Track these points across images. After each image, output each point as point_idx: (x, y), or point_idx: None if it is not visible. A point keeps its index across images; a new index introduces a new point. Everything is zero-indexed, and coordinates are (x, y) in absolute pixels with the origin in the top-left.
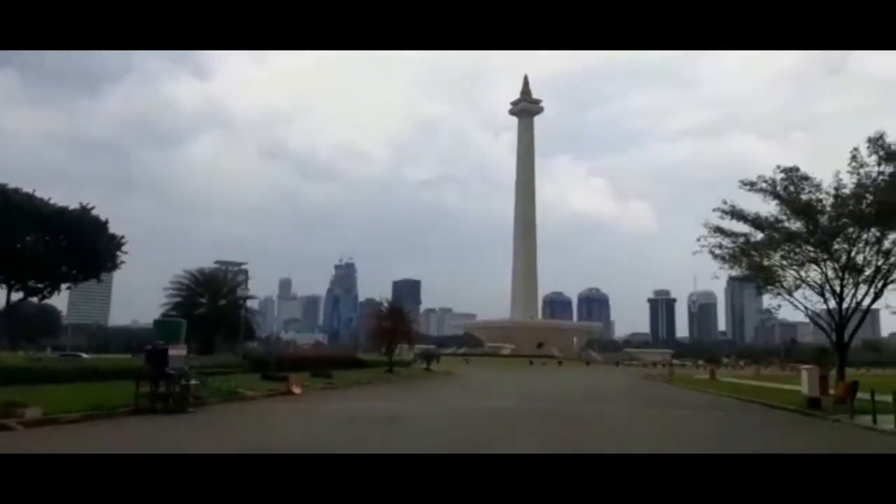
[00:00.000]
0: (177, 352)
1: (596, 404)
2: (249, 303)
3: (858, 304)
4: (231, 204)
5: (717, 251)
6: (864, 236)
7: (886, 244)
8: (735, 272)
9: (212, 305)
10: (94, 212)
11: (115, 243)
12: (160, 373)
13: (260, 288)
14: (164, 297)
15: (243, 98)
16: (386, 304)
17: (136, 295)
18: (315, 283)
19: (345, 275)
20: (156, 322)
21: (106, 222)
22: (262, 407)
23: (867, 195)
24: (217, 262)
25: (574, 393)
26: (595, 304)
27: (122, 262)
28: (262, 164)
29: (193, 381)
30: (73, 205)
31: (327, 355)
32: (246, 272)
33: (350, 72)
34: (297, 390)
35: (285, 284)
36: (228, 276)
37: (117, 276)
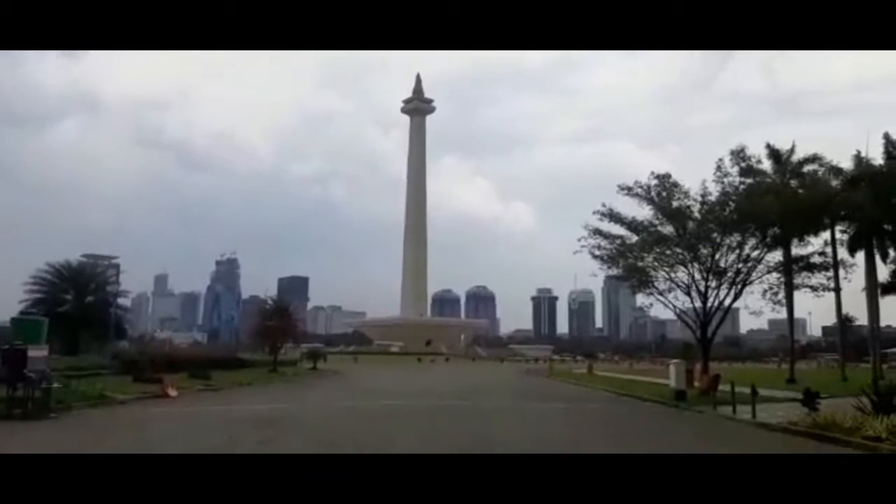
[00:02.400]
0: (37, 353)
1: (481, 399)
2: (121, 300)
3: (721, 303)
4: (101, 193)
5: (597, 252)
6: (727, 241)
7: (746, 250)
8: (613, 272)
9: (77, 302)
10: None
11: None
12: (18, 376)
13: (133, 284)
14: (24, 293)
15: (115, 80)
16: (270, 302)
17: None
18: (194, 279)
19: (227, 271)
20: (13, 320)
21: None
22: (133, 411)
23: (730, 202)
24: (85, 255)
25: (461, 389)
26: (482, 301)
27: None
28: (136, 152)
29: (56, 385)
30: None
31: (206, 355)
32: (117, 266)
33: (231, 60)
34: (172, 393)
35: (161, 280)
36: (97, 271)
37: None
